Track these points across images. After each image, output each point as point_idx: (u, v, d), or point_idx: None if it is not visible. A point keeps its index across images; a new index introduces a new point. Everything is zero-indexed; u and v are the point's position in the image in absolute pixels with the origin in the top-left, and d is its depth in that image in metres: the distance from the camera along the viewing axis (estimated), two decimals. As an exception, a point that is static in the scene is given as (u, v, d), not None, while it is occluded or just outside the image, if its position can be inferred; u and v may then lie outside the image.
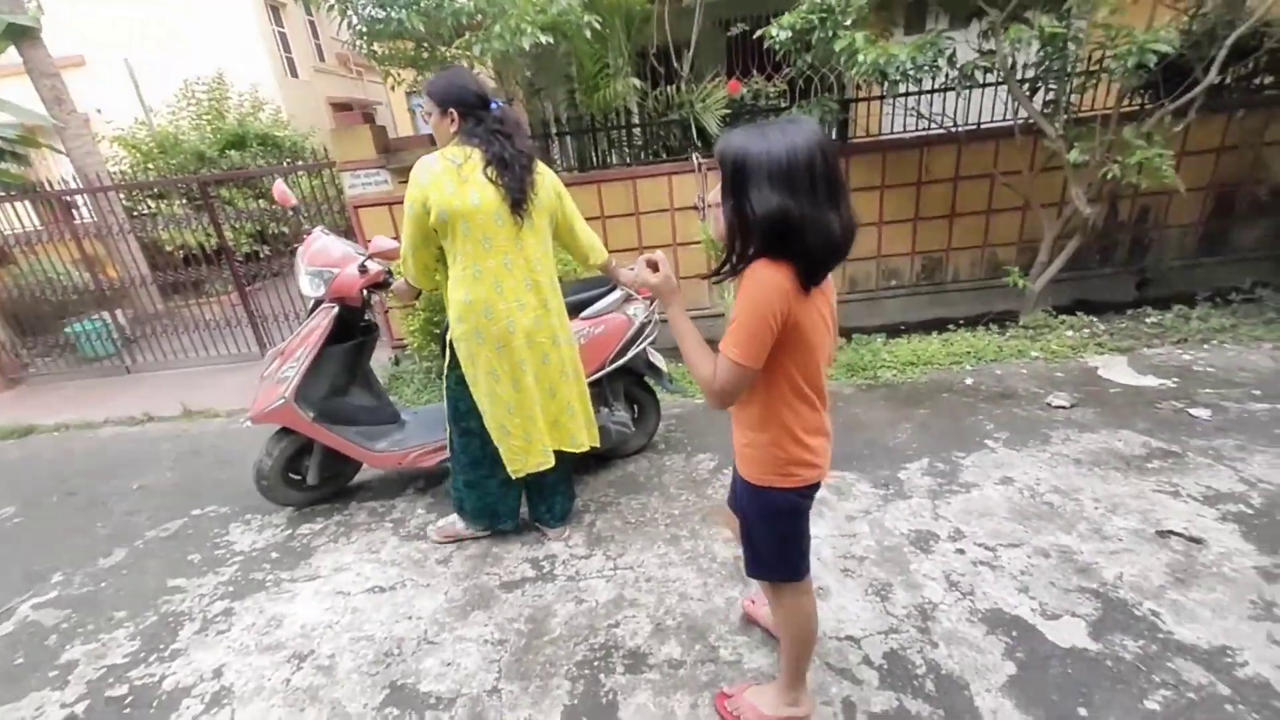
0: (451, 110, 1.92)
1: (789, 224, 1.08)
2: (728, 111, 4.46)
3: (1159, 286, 4.67)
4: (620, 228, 4.57)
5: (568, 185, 4.46)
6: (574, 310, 2.61)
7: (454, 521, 2.46)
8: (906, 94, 4.16)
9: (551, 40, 3.65)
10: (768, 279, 1.11)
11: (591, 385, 2.65)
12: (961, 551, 2.11)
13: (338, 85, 15.56)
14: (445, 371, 2.19)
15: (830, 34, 3.58)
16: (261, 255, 6.84)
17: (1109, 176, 3.54)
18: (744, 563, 1.49)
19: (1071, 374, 3.34)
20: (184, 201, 7.02)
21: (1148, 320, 3.93)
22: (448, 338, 2.11)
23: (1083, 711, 1.54)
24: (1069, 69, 3.69)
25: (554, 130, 4.78)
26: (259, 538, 2.64)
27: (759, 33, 3.82)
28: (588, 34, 3.88)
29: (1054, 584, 1.93)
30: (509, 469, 2.17)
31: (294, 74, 13.64)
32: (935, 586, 1.97)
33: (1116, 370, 3.32)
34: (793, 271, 1.12)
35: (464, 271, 1.96)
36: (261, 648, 2.02)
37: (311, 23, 14.56)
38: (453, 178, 1.87)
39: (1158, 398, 2.98)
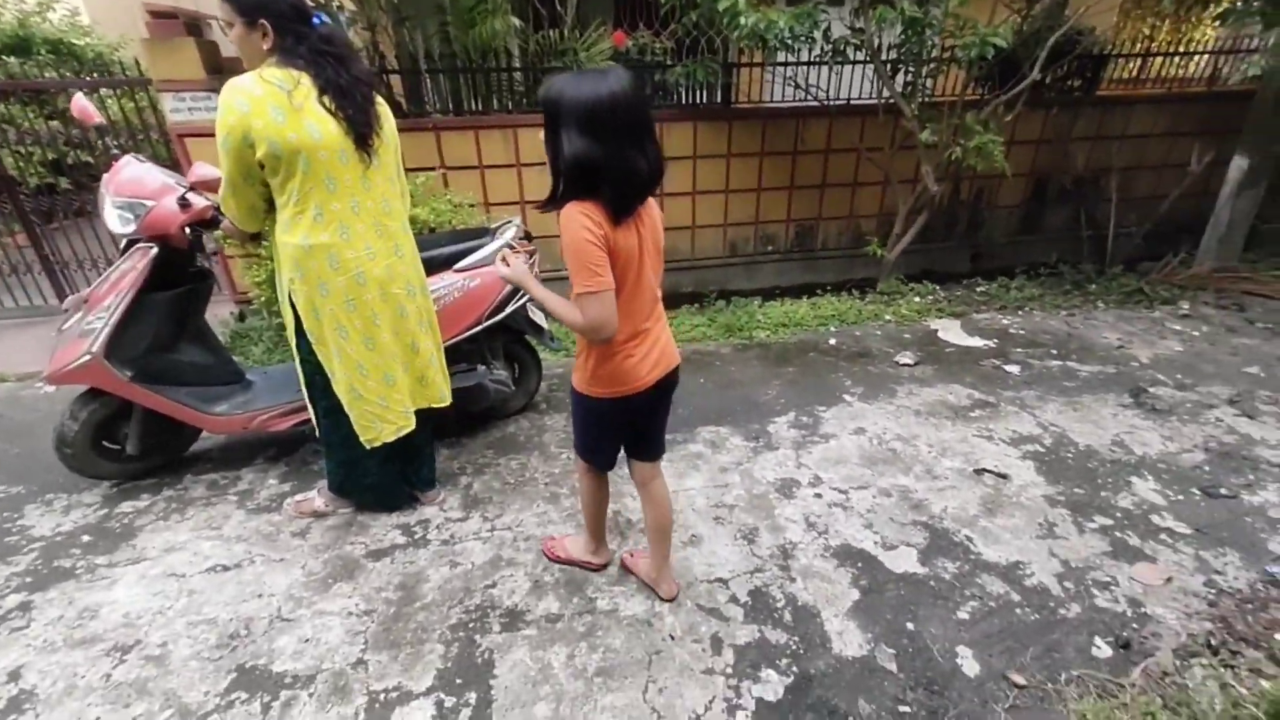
0: (262, 22, 1.60)
1: (592, 164, 1.25)
2: (612, 63, 4.34)
3: (989, 259, 5.33)
4: (500, 178, 4.33)
5: (440, 129, 4.18)
6: (448, 262, 2.45)
7: (313, 496, 2.26)
8: (784, 63, 4.29)
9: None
10: (573, 219, 1.28)
11: (468, 342, 2.54)
12: (819, 495, 2.31)
13: (158, -10, 13.09)
14: (294, 336, 1.93)
15: (717, -7, 3.57)
16: (59, 189, 5.70)
17: (953, 158, 3.93)
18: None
19: (917, 335, 3.73)
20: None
21: (978, 289, 4.48)
22: (288, 292, 1.84)
23: (910, 625, 1.76)
24: (925, 54, 3.99)
25: (424, 66, 4.38)
26: (64, 520, 2.25)
27: (647, -17, 3.71)
28: (464, -39, 3.56)
29: (893, 519, 2.18)
30: (362, 437, 1.98)
31: (97, -31, 11.25)
32: (796, 528, 2.15)
33: (952, 332, 3.75)
34: (600, 207, 1.29)
35: (300, 213, 1.71)
36: (72, 643, 1.75)
37: (119, -92, 12.04)
38: (281, 105, 1.59)
39: (981, 356, 3.42)
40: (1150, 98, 5.24)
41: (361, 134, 1.73)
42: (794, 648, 1.70)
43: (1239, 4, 3.62)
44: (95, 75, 6.93)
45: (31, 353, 3.66)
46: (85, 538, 2.16)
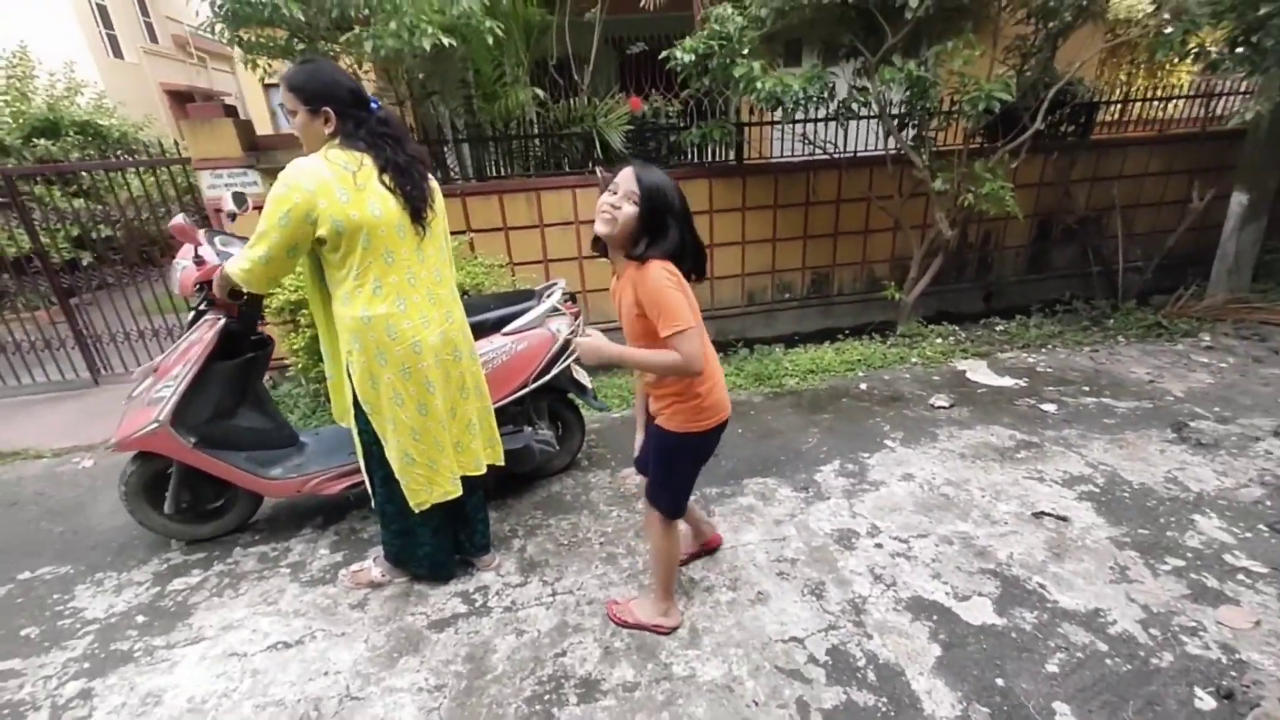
0: (326, 110, 1.69)
1: (680, 239, 1.53)
2: (630, 127, 4.53)
3: (1001, 299, 5.42)
4: (524, 239, 4.46)
5: (467, 195, 4.32)
6: (496, 325, 2.50)
7: (369, 566, 2.23)
8: (796, 121, 4.49)
9: (451, 43, 3.49)
10: (659, 271, 1.49)
11: (515, 403, 2.56)
12: (880, 545, 2.28)
13: (174, 70, 13.76)
14: (353, 409, 1.93)
15: (728, 61, 3.77)
16: (83, 263, 5.82)
17: (965, 204, 4.06)
18: (646, 492, 1.85)
19: (945, 377, 3.76)
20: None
21: (997, 328, 4.54)
22: (346, 364, 1.87)
23: (999, 681, 1.72)
24: (931, 108, 4.18)
25: (450, 137, 4.57)
26: (117, 600, 2.21)
27: (663, 54, 3.92)
28: (489, 39, 3.76)
29: (960, 568, 2.15)
30: (411, 501, 1.97)
31: (117, 54, 11.87)
32: (862, 580, 2.11)
33: (980, 373, 3.79)
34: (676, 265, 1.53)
35: (360, 286, 1.75)
36: (136, 733, 1.69)
37: (141, -2, 12.79)
38: (346, 185, 1.67)
39: (1015, 396, 3.44)
40: (1142, 140, 5.47)
41: (417, 208, 1.80)
42: (883, 710, 1.65)
43: (1225, 56, 3.83)
44: (120, 154, 7.19)
45: (66, 427, 3.67)
46: (140, 618, 2.12)
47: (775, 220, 4.86)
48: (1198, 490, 2.49)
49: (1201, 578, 2.04)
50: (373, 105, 1.78)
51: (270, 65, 4.44)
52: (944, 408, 3.33)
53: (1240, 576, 2.03)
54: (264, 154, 3.95)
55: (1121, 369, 3.72)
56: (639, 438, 1.95)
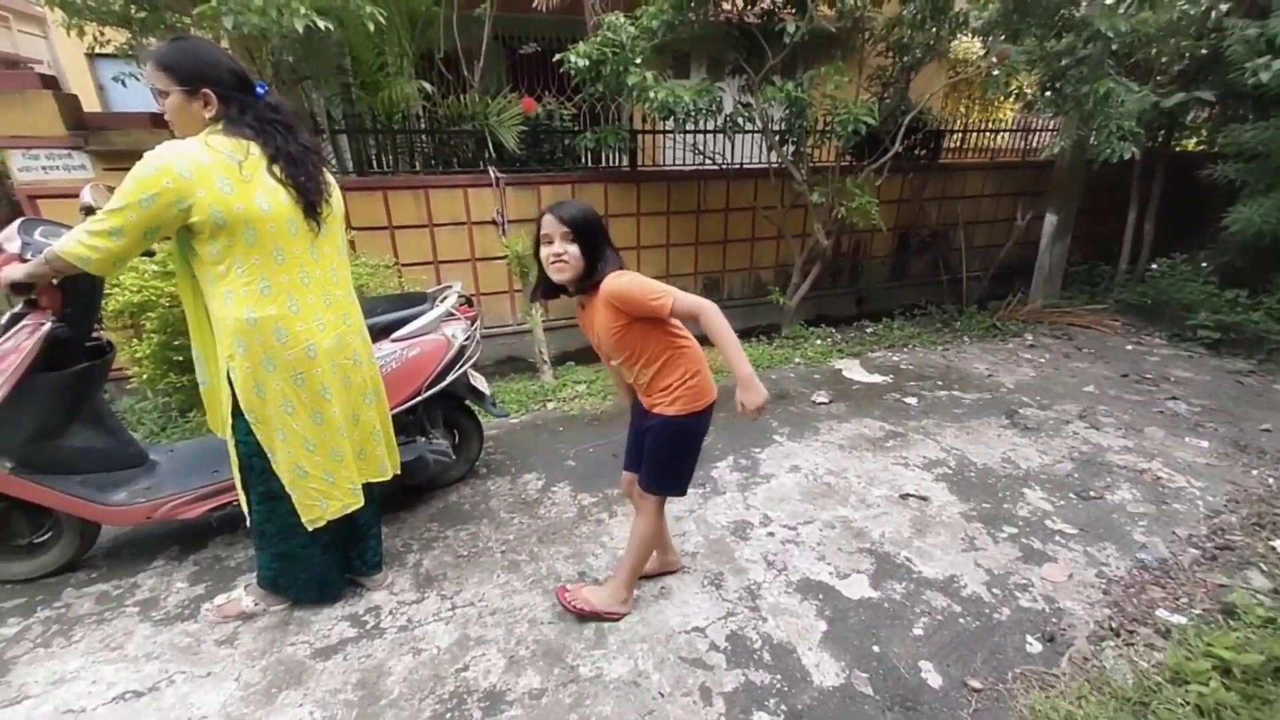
0: (206, 91, 1.56)
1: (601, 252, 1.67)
2: (524, 128, 4.47)
3: (870, 304, 5.98)
4: (412, 239, 4.24)
5: (348, 190, 4.04)
6: (386, 330, 2.36)
7: (238, 596, 2.01)
8: (687, 131, 4.66)
9: (328, 26, 3.25)
10: (620, 275, 1.64)
11: (407, 412, 2.43)
12: (772, 534, 2.43)
13: (-31, 30, 11.54)
14: (230, 418, 1.75)
15: (622, 69, 3.85)
16: None
17: (839, 215, 4.44)
18: (642, 480, 1.89)
19: (825, 375, 4.08)
20: None
21: (867, 330, 5.01)
22: (225, 370, 1.70)
23: (875, 648, 1.89)
24: (807, 126, 4.53)
25: (327, 127, 4.24)
26: (-101, 665, 1.82)
27: (557, 56, 3.92)
28: (370, 26, 3.54)
29: (841, 549, 2.34)
30: (304, 518, 1.83)
31: (-113, 4, 9.76)
32: (757, 568, 2.24)
33: (855, 371, 4.15)
34: None
35: (246, 286, 1.61)
36: (-67, 822, 1.41)
37: (-81, -61, 10.62)
38: (230, 175, 1.53)
39: (883, 391, 3.81)
40: (978, 165, 6.29)
41: (311, 202, 1.68)
42: (779, 686, 1.76)
43: (1037, 97, 4.53)
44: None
45: None
46: (-66, 684, 1.76)
47: (668, 226, 5.01)
48: (1025, 467, 2.91)
49: (1030, 541, 2.38)
50: (258, 89, 1.64)
51: (101, 33, 3.88)
52: (824, 403, 3.62)
53: (1058, 538, 2.40)
54: (94, 134, 3.44)
55: (967, 365, 4.25)
56: (629, 433, 2.01)
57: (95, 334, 2.11)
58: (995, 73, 4.30)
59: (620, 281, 1.62)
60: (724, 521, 2.51)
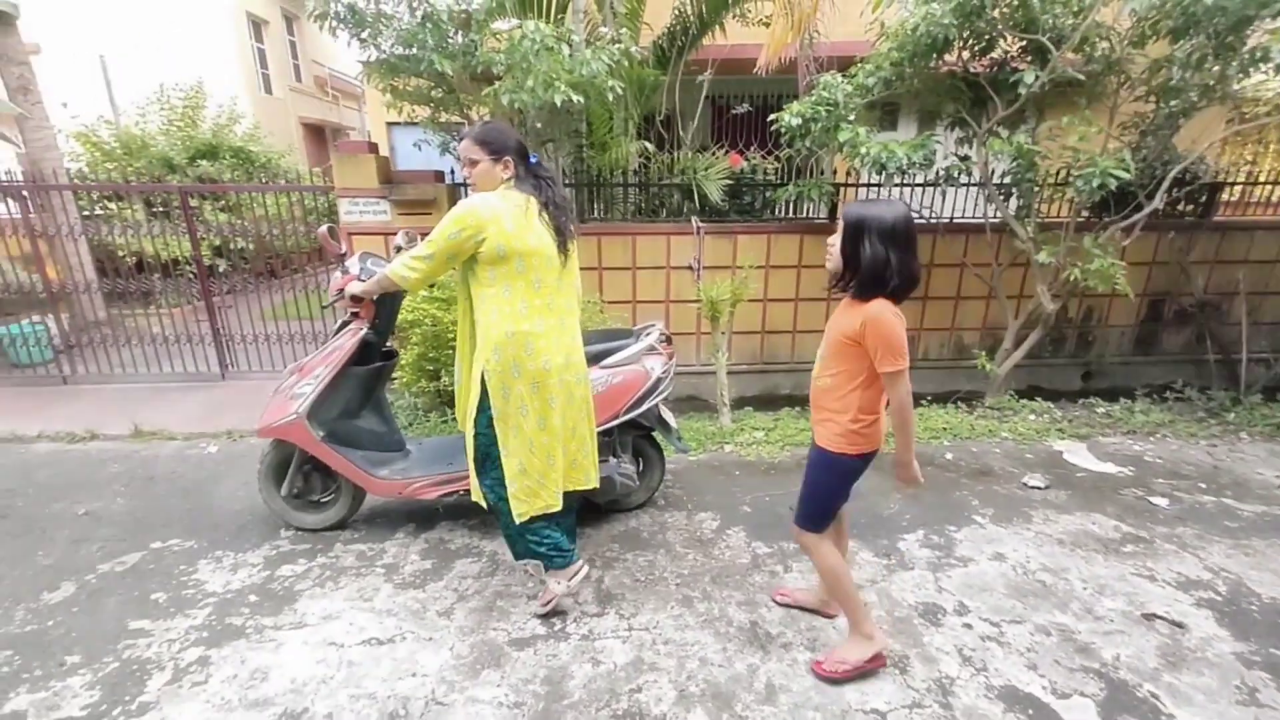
0: (508, 158, 2.00)
1: (888, 267, 1.64)
2: (729, 181, 4.70)
3: (1100, 379, 5.13)
4: (616, 280, 4.65)
5: (570, 235, 4.57)
6: (594, 359, 2.63)
7: (549, 584, 2.24)
8: (895, 184, 4.52)
9: (579, 99, 3.78)
10: (887, 310, 1.67)
11: (602, 435, 2.65)
12: (969, 626, 2.18)
13: (311, 106, 15.38)
14: (474, 413, 2.09)
15: (834, 125, 3.88)
16: (216, 270, 6.52)
17: (1070, 278, 3.92)
18: (796, 515, 1.98)
19: (1040, 456, 3.58)
20: (145, 207, 6.65)
21: (1098, 410, 4.29)
22: (479, 373, 2.02)
23: (1104, 792, 1.59)
24: (1038, 181, 4.11)
25: (560, 183, 4.89)
26: (233, 578, 2.42)
27: (771, 117, 4.09)
28: (609, 97, 4.05)
29: (1058, 662, 2.02)
30: (514, 510, 2.07)
31: (268, 90, 13.43)
32: (949, 660, 2.02)
33: (1079, 456, 3.58)
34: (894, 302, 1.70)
35: (509, 305, 1.96)
36: (246, 703, 1.84)
37: (293, 42, 14.50)
38: (515, 219, 1.94)
39: (1119, 485, 3.23)
40: (1273, 224, 5.12)
41: (564, 239, 2.05)
42: (973, 801, 1.57)
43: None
44: (263, 178, 8.09)
45: (197, 415, 4.08)
46: (253, 598, 2.31)
47: (864, 280, 4.85)
48: (1341, 613, 2.24)
49: (1348, 712, 1.82)
50: (533, 158, 2.08)
51: (414, 110, 4.94)
52: (1039, 488, 3.17)
53: (1397, 717, 1.81)
54: (395, 187, 4.37)
55: (1246, 469, 3.42)
56: None
57: (389, 341, 2.69)
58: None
59: (887, 318, 1.65)
60: (911, 600, 2.31)
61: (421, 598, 2.32)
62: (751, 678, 1.95)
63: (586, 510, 2.81)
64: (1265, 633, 2.15)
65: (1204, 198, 4.97)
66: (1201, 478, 3.31)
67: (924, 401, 4.50)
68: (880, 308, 1.66)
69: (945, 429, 3.91)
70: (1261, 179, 5.38)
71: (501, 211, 1.92)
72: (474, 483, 2.17)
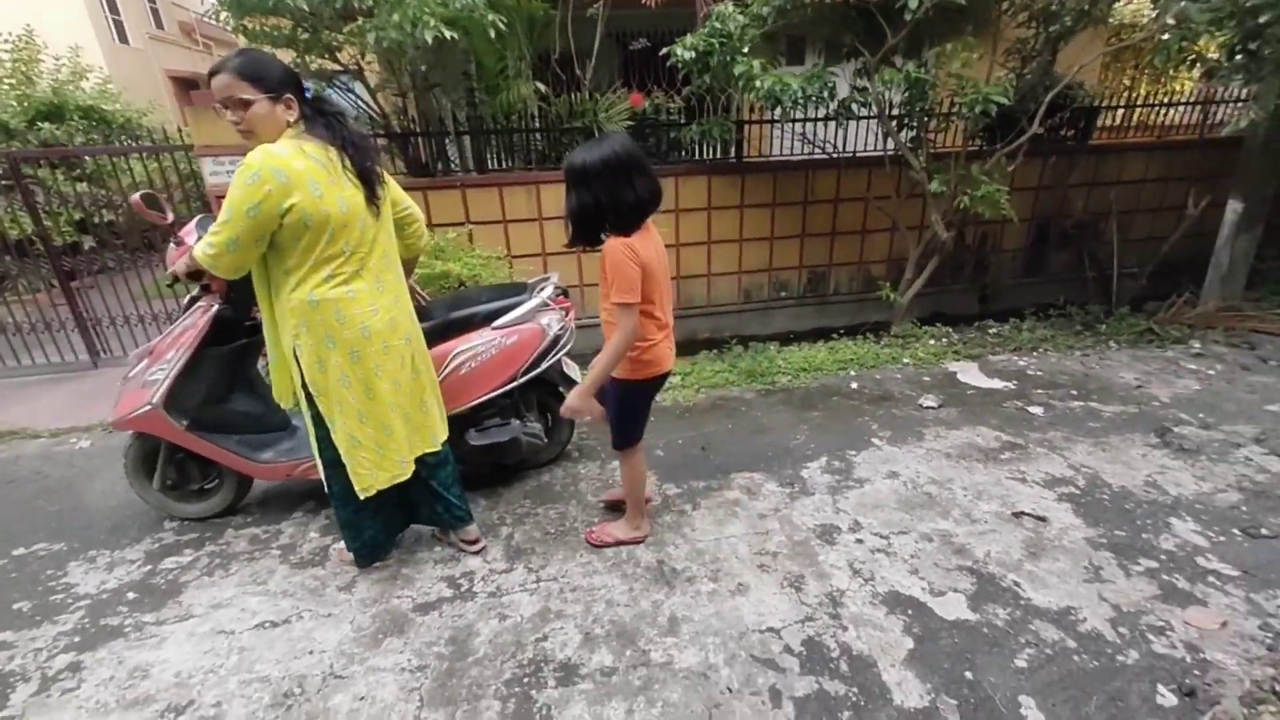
0: (289, 95, 1.68)
1: (590, 209, 1.80)
2: (631, 123, 4.55)
3: (996, 301, 5.45)
4: (523, 231, 4.49)
5: (467, 187, 4.35)
6: (487, 319, 2.52)
7: (341, 547, 2.25)
8: (795, 120, 4.51)
9: (454, 35, 3.51)
10: (616, 247, 1.79)
11: (503, 396, 2.59)
12: (860, 541, 2.32)
13: (180, 57, 13.77)
14: (300, 390, 1.92)
15: (729, 58, 3.79)
16: (85, 247, 5.86)
17: (960, 206, 4.08)
18: (613, 441, 2.17)
19: (936, 378, 3.79)
20: (-21, 179, 5.82)
21: (990, 331, 4.57)
22: (289, 349, 1.85)
23: (969, 674, 1.75)
24: (928, 110, 4.20)
25: (453, 129, 4.59)
26: (108, 577, 2.25)
27: (664, 50, 3.94)
28: (491, 33, 3.78)
29: (937, 564, 2.18)
30: (357, 486, 1.96)
31: (123, 39, 11.88)
32: (841, 574, 2.15)
33: (971, 375, 3.82)
34: (624, 233, 1.81)
35: (313, 274, 1.75)
36: (125, 703, 1.74)
37: (148, -17, 12.80)
38: (320, 179, 1.66)
39: (1003, 398, 3.47)
40: (1141, 145, 5.48)
41: (373, 188, 1.81)
42: (854, 699, 1.69)
43: (1224, 63, 3.84)
44: (124, 140, 7.22)
45: (64, 408, 3.71)
46: (131, 595, 2.16)
47: (773, 218, 4.89)
48: (1175, 494, 2.52)
49: (1173, 579, 2.07)
50: (307, 90, 1.77)
51: (275, 55, 4.46)
52: (932, 408, 3.37)
53: (1211, 579, 2.06)
54: (265, 142, 3.97)
55: (1110, 374, 3.75)
56: None
57: (252, 314, 2.46)
58: (1165, 37, 3.72)
59: (614, 252, 1.79)
60: (810, 524, 2.43)
61: (321, 575, 2.24)
62: (656, 613, 2.01)
63: (497, 470, 2.77)
64: (1113, 518, 2.39)
65: (1082, 122, 5.25)
66: (1074, 385, 3.61)
67: (835, 335, 4.65)
68: (611, 244, 1.80)
69: (852, 359, 4.07)
70: (1134, 104, 5.71)
71: (303, 173, 1.63)
72: (318, 464, 2.03)
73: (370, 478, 1.97)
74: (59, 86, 7.49)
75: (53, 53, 7.94)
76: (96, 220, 5.63)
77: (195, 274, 2.00)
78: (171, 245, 2.15)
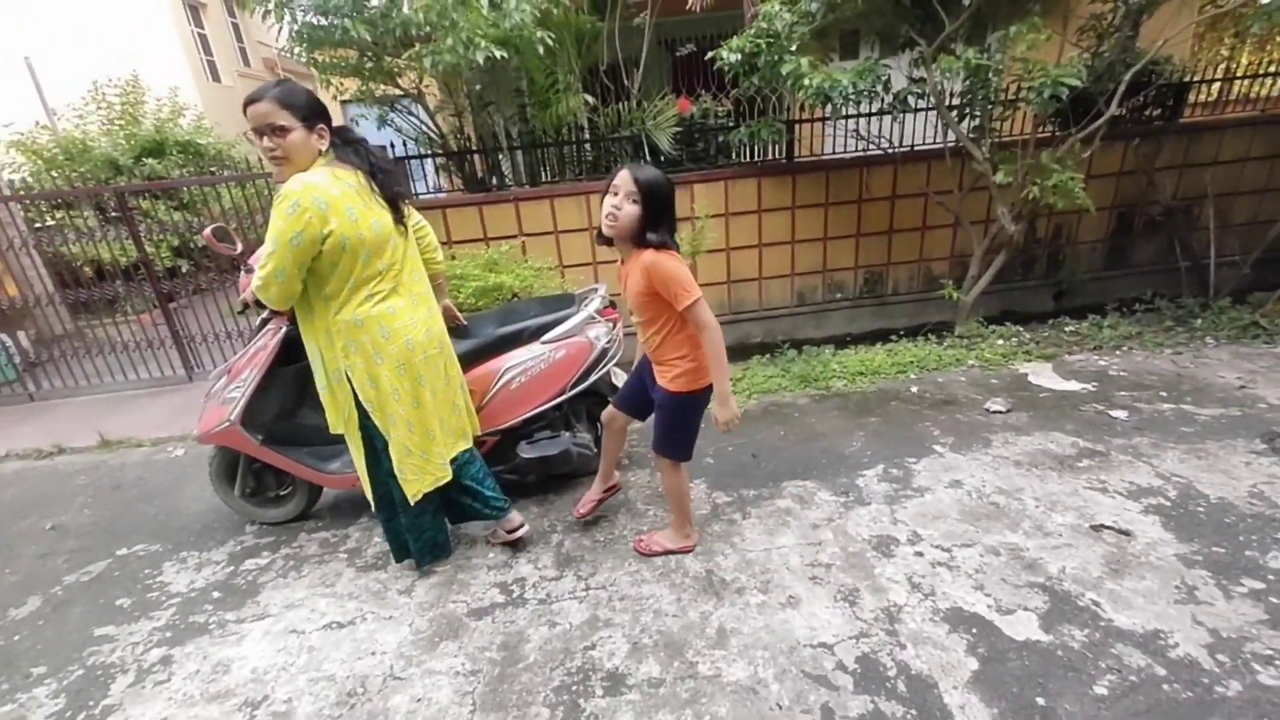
0: (322, 125, 1.76)
1: (658, 220, 1.83)
2: (679, 129, 4.56)
3: (1073, 297, 5.09)
4: (573, 241, 4.56)
5: (520, 200, 4.47)
6: (536, 334, 2.57)
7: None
8: (847, 116, 4.39)
9: (504, 55, 3.62)
10: (671, 256, 1.83)
11: (553, 409, 2.63)
12: (920, 554, 2.21)
13: (264, 91, 14.85)
14: (353, 414, 2.00)
15: (776, 58, 3.73)
16: (182, 270, 6.40)
17: (1030, 197, 3.84)
18: (656, 444, 2.15)
19: (1005, 380, 3.57)
20: (95, 213, 6.48)
21: (1066, 329, 4.26)
22: (341, 372, 1.93)
23: (1040, 700, 1.63)
24: (992, 98, 3.98)
25: (505, 145, 4.73)
26: (197, 577, 2.45)
27: (709, 55, 3.92)
28: (540, 49, 3.88)
29: (1005, 580, 2.05)
30: (407, 491, 2.06)
31: (215, 78, 12.93)
32: (899, 589, 2.06)
33: (1044, 376, 3.57)
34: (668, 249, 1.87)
35: (351, 294, 1.83)
36: (208, 696, 1.87)
37: (235, 24, 13.89)
38: (354, 204, 1.75)
39: (1081, 401, 3.23)
40: (1242, 121, 4.99)
41: (398, 208, 1.92)
42: (912, 721, 1.61)
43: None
44: (214, 171, 7.86)
45: (163, 419, 4.06)
46: (216, 594, 2.33)
47: (827, 218, 4.76)
48: (1286, 507, 2.27)
49: (1283, 603, 1.86)
50: (354, 121, 1.91)
51: (343, 83, 4.75)
52: (1000, 412, 3.17)
53: (1329, 603, 1.84)
54: (333, 167, 4.23)
55: (1208, 373, 3.42)
56: (629, 379, 2.28)
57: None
58: (1264, 1, 3.37)
59: (666, 261, 1.80)
60: (865, 534, 2.34)
61: (383, 578, 2.34)
62: (704, 624, 1.98)
63: (550, 479, 2.82)
64: (1209, 533, 2.18)
65: (1170, 100, 4.83)
66: (1164, 386, 3.32)
67: (894, 337, 4.47)
68: (660, 256, 1.81)
69: (912, 362, 3.89)
70: (1231, 76, 5.21)
71: (339, 199, 1.71)
72: (365, 483, 2.13)
73: (418, 483, 2.08)
74: (161, 125, 8.25)
75: (154, 94, 8.76)
76: (192, 245, 6.16)
77: (260, 303, 2.11)
78: (242, 273, 2.31)
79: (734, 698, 1.72)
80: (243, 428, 2.36)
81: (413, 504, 2.10)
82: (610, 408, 2.35)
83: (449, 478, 2.15)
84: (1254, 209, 5.01)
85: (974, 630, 1.87)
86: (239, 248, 2.32)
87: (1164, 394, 3.23)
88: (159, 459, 3.53)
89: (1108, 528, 2.24)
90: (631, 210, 1.79)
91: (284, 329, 2.36)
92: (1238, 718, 1.54)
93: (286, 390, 2.52)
